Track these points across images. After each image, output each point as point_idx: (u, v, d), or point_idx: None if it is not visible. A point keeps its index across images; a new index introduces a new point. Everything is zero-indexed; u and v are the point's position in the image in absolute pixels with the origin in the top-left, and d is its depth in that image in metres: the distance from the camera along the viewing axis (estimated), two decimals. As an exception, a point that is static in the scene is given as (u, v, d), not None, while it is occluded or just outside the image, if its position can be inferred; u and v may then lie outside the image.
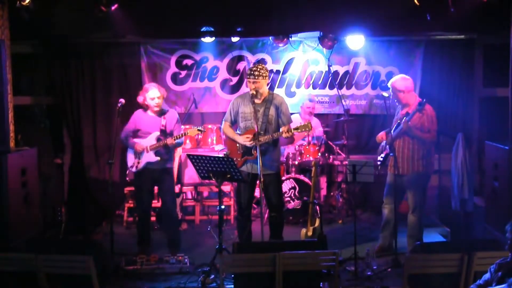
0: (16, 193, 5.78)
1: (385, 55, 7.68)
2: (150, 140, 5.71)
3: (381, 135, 5.82)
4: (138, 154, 5.74)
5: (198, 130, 5.72)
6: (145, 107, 5.82)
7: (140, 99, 5.79)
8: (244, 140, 5.38)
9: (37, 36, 7.06)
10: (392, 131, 5.61)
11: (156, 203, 6.66)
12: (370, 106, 7.83)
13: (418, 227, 5.68)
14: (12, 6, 5.81)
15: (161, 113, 5.82)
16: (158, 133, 5.73)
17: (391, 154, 5.58)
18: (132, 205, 7.02)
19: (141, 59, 7.62)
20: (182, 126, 7.10)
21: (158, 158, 5.67)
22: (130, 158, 5.81)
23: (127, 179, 7.17)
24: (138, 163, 5.73)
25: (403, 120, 5.49)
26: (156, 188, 6.00)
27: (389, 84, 5.77)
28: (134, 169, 5.79)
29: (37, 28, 6.40)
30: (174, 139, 5.63)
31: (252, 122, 5.34)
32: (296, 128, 5.28)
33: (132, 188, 6.96)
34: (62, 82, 7.46)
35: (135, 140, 5.77)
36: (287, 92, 7.78)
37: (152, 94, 5.71)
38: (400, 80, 5.67)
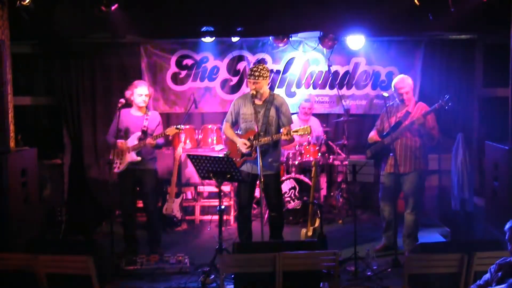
0: (16, 193, 5.78)
1: (385, 55, 7.68)
2: (132, 140, 5.71)
3: (375, 135, 5.81)
4: (120, 155, 5.72)
5: (176, 128, 5.63)
6: (129, 103, 5.79)
7: (128, 93, 5.77)
8: (242, 145, 5.38)
9: (37, 36, 7.06)
10: (391, 131, 5.62)
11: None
12: (370, 106, 7.83)
13: (415, 226, 5.73)
14: (12, 6, 5.80)
15: (145, 112, 5.81)
16: (139, 133, 5.73)
17: (391, 154, 5.60)
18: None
19: (141, 59, 7.62)
20: (182, 126, 7.15)
21: (139, 158, 5.67)
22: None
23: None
24: (120, 163, 5.72)
25: (418, 116, 5.50)
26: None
27: (392, 84, 5.77)
28: (116, 170, 5.75)
29: (37, 28, 6.38)
30: (154, 139, 5.61)
31: (252, 123, 5.34)
32: (296, 131, 5.27)
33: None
34: (62, 82, 7.47)
35: (118, 140, 5.70)
36: (287, 92, 7.78)
37: (140, 90, 5.72)
38: (404, 80, 5.70)
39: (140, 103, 5.75)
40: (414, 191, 5.65)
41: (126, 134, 5.77)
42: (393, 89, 5.75)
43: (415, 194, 5.66)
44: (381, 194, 5.88)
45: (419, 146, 5.63)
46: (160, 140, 5.73)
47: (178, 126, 5.67)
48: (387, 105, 5.76)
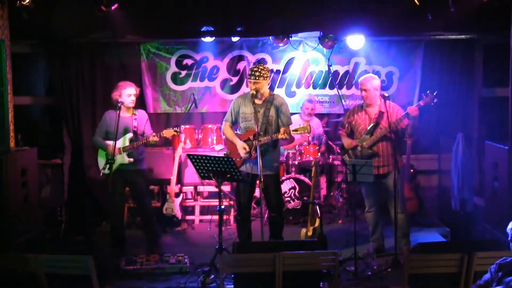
0: (16, 193, 5.78)
1: (385, 55, 7.67)
2: (124, 142, 5.70)
3: (352, 141, 5.76)
4: (109, 156, 5.59)
5: (175, 131, 5.65)
6: (115, 105, 5.68)
7: (115, 95, 5.73)
8: (241, 149, 5.38)
9: (37, 36, 7.05)
10: (370, 134, 5.62)
11: (156, 203, 6.68)
12: (370, 106, 7.83)
13: (407, 224, 5.75)
14: (12, 6, 5.81)
15: (132, 112, 5.83)
16: (131, 134, 5.72)
17: (373, 156, 5.60)
18: (132, 205, 7.00)
19: (141, 59, 7.62)
20: (182, 126, 7.15)
21: (132, 159, 5.68)
22: (101, 161, 5.78)
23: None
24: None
25: (411, 109, 5.51)
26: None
27: (360, 81, 5.78)
28: (107, 171, 5.60)
29: (37, 28, 6.40)
30: (157, 137, 5.58)
31: (252, 122, 5.34)
32: (295, 130, 5.27)
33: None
34: (62, 82, 7.46)
35: (107, 141, 5.74)
36: (287, 92, 7.77)
37: (129, 91, 5.72)
38: (367, 78, 5.70)
39: (129, 104, 5.75)
40: (399, 190, 5.62)
41: (115, 136, 5.58)
42: (362, 86, 5.72)
43: (401, 192, 5.66)
44: (366, 195, 5.85)
45: (397, 144, 5.65)
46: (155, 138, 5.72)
47: (176, 129, 5.65)
48: (355, 106, 5.92)
